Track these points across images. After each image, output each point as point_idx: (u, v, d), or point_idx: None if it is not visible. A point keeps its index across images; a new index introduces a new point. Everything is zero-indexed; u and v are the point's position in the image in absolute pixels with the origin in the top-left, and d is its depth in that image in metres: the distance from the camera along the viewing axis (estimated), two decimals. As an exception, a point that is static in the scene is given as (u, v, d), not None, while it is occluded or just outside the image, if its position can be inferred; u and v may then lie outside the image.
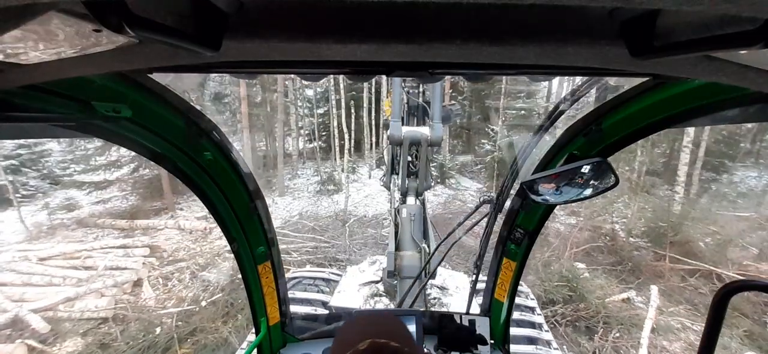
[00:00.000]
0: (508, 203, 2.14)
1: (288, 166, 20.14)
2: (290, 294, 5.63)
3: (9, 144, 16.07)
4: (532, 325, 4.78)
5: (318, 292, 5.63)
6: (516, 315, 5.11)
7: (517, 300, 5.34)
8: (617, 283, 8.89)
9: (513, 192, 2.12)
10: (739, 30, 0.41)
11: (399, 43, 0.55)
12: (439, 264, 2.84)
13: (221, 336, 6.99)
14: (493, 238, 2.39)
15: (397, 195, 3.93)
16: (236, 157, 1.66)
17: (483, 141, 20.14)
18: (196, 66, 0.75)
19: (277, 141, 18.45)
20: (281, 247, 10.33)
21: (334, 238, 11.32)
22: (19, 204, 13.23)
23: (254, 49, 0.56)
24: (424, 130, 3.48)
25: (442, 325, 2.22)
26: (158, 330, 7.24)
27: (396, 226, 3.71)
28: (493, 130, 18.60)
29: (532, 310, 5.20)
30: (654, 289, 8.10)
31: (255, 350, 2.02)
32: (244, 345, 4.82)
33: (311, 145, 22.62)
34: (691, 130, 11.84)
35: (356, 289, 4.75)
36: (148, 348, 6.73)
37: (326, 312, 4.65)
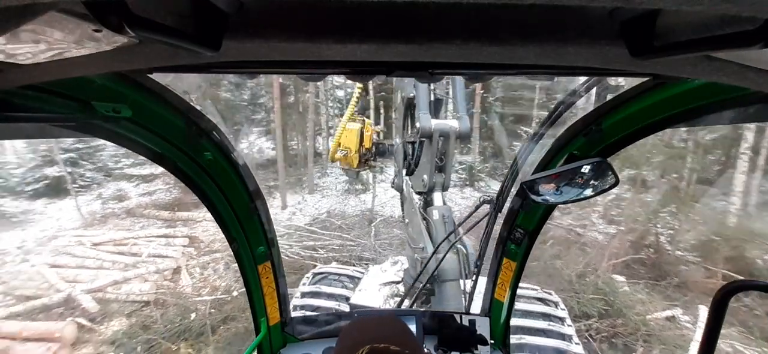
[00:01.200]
0: (508, 203, 2.14)
1: (318, 164, 20.58)
2: (316, 288, 5.75)
3: (68, 138, 17.74)
4: (562, 336, 4.55)
5: (342, 287, 5.73)
6: (544, 324, 4.92)
7: (546, 309, 5.13)
8: (661, 300, 8.27)
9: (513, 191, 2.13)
10: (739, 30, 0.40)
11: (399, 43, 0.55)
12: (439, 265, 2.87)
13: (250, 327, 7.27)
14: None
15: (415, 197, 3.84)
16: (236, 157, 1.66)
17: (515, 143, 19.48)
18: (196, 66, 0.76)
19: (307, 140, 18.92)
20: (308, 243, 10.58)
21: (359, 237, 11.43)
22: (76, 193, 14.55)
23: (254, 49, 0.57)
24: (453, 123, 3.46)
25: (442, 325, 2.22)
26: (193, 316, 7.68)
27: (426, 227, 3.65)
28: (526, 132, 17.97)
29: (561, 320, 4.97)
30: (703, 309, 7.44)
31: (255, 350, 2.02)
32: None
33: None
34: (749, 136, 10.79)
35: (377, 288, 4.76)
36: (183, 332, 7.16)
37: (346, 308, 4.69)
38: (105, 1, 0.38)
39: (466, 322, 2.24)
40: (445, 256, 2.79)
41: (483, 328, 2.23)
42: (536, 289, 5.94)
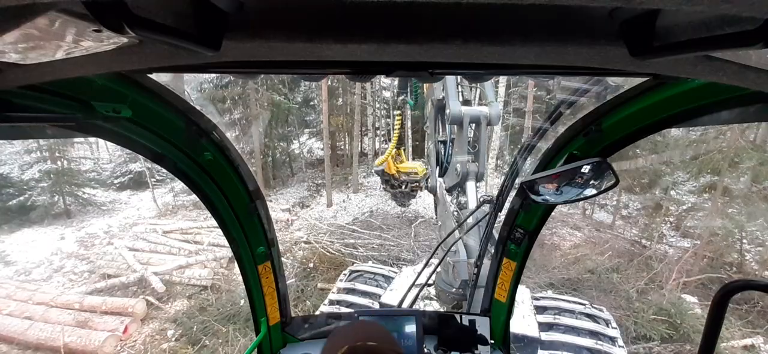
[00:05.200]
0: (508, 203, 2.13)
1: (364, 164, 21.01)
2: (351, 285, 5.89)
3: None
4: None
5: (376, 286, 5.81)
6: (591, 343, 4.56)
7: (594, 327, 4.77)
8: (740, 326, 7.14)
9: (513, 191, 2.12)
10: (739, 30, 0.40)
11: (399, 43, 0.55)
12: (438, 264, 2.84)
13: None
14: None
15: (448, 199, 3.75)
16: (236, 157, 1.66)
17: None
18: (196, 66, 0.77)
19: (353, 140, 19.41)
20: (349, 241, 10.83)
21: (399, 238, 11.45)
22: (153, 187, 16.47)
23: (254, 49, 0.57)
24: (483, 109, 3.44)
25: (442, 325, 2.21)
26: (242, 302, 8.28)
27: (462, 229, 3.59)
28: None
29: (612, 340, 4.57)
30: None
31: (255, 350, 2.01)
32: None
33: (387, 145, 23.24)
34: None
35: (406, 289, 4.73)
36: (232, 316, 7.77)
37: (378, 306, 4.73)
38: (105, 1, 0.38)
39: (466, 322, 2.24)
40: (482, 261, 2.68)
41: (483, 328, 2.22)
42: (585, 304, 5.50)
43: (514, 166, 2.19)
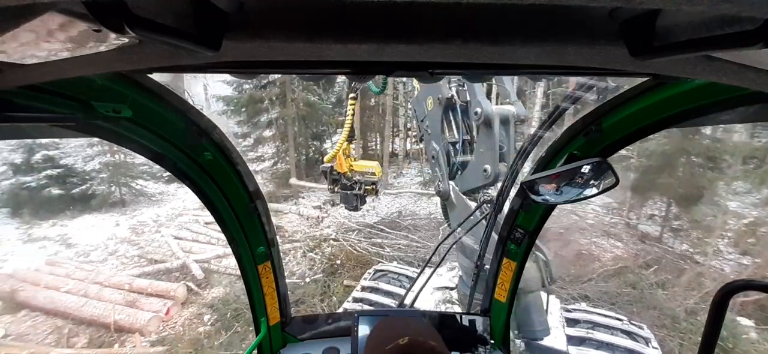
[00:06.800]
0: (508, 203, 2.14)
1: (394, 165, 21.05)
2: (374, 284, 5.94)
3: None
4: None
5: (400, 286, 5.82)
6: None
7: (633, 345, 4.52)
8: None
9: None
10: (739, 30, 0.40)
11: (399, 43, 0.55)
12: (439, 264, 2.86)
13: (316, 311, 7.86)
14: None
15: (466, 200, 3.65)
16: (236, 157, 1.65)
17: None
18: (196, 66, 0.78)
19: (384, 141, 19.51)
20: (377, 240, 10.89)
21: (426, 239, 11.34)
22: (195, 185, 17.63)
23: (254, 49, 0.57)
24: (511, 108, 3.40)
25: (442, 325, 2.21)
26: (272, 294, 8.63)
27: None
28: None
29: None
30: None
31: (255, 350, 2.02)
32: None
33: (418, 147, 23.12)
34: None
35: (430, 291, 4.70)
36: (263, 306, 8.11)
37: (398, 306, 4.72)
38: (105, 1, 0.38)
39: (465, 322, 2.24)
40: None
41: (483, 328, 2.23)
42: (622, 320, 5.17)
43: (513, 166, 2.21)
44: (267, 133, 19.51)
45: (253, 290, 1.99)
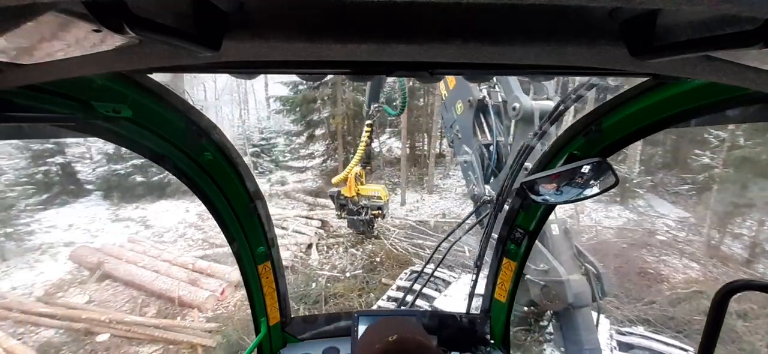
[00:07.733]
0: (507, 203, 2.14)
1: (441, 166, 20.75)
2: (409, 284, 5.96)
3: (255, 135, 23.50)
4: None
5: (435, 289, 5.78)
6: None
7: None
8: None
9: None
10: (739, 30, 0.41)
11: (399, 43, 0.56)
12: (439, 264, 2.88)
13: (353, 306, 8.06)
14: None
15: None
16: (236, 157, 1.65)
17: (697, 151, 14.36)
18: (196, 66, 0.78)
19: (431, 141, 19.33)
20: (418, 241, 10.85)
21: (467, 244, 11.02)
22: (255, 177, 19.13)
23: (254, 49, 0.57)
24: (550, 102, 3.27)
25: (442, 325, 2.20)
26: (314, 285, 9.03)
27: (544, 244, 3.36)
28: (718, 136, 13.25)
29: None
30: None
31: (255, 350, 2.02)
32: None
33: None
34: None
35: (463, 297, 4.58)
36: (304, 296, 8.55)
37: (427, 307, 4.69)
38: (105, 1, 0.38)
39: (466, 322, 2.25)
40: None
41: (483, 328, 2.23)
42: (687, 351, 4.62)
43: (514, 166, 2.23)
44: (318, 131, 20.45)
45: (253, 290, 2.00)
